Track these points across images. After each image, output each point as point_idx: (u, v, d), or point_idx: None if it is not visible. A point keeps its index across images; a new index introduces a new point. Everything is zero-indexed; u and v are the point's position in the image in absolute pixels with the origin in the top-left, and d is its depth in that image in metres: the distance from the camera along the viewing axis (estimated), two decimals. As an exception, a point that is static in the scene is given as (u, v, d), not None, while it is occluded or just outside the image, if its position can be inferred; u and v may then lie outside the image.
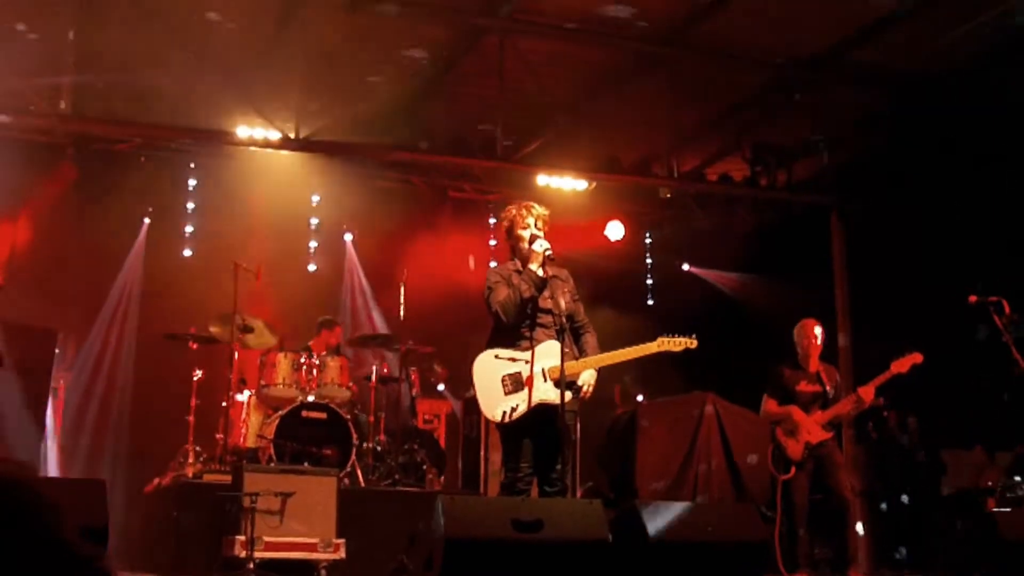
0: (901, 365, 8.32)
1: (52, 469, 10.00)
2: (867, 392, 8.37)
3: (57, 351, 10.38)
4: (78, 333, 10.75)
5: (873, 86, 11.14)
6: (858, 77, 10.91)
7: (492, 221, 13.62)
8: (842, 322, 12.32)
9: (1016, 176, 10.66)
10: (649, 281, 14.92)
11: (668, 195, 13.34)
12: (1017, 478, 11.93)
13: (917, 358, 8.32)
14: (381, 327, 13.06)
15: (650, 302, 14.76)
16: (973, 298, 7.58)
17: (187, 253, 12.44)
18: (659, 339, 6.68)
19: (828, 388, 8.62)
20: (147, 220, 12.25)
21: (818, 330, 8.77)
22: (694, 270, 14.72)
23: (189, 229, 12.47)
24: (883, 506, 12.17)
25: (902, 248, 11.78)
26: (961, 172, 11.21)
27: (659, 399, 12.51)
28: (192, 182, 12.47)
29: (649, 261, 14.95)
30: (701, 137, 12.38)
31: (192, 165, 12.38)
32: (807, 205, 13.05)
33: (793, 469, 8.45)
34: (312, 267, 13.14)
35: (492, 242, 12.88)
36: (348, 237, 13.58)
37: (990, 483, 11.81)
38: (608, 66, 10.85)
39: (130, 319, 11.07)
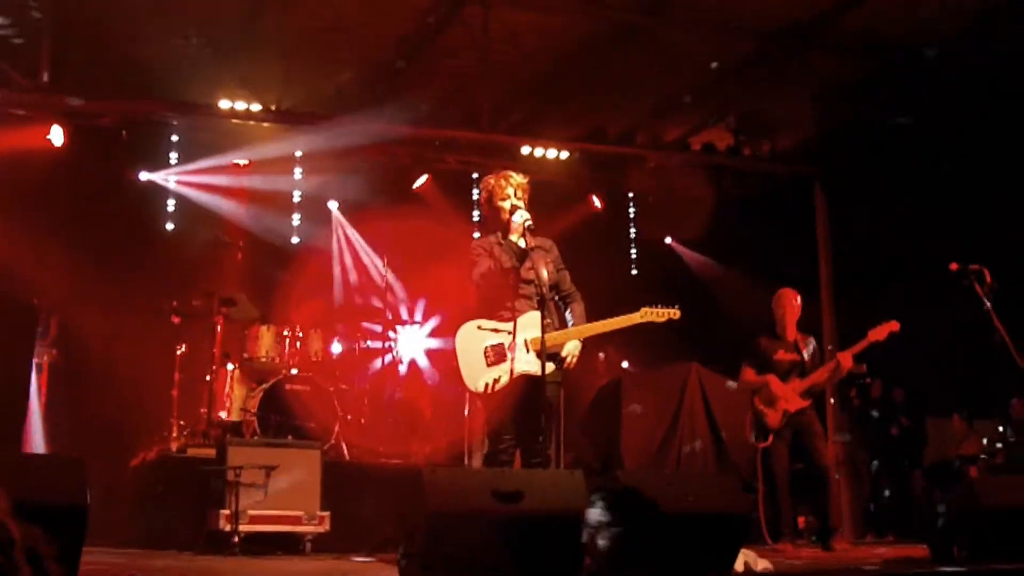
0: (878, 333, 8.41)
1: (36, 446, 9.97)
2: (845, 358, 8.47)
3: (40, 328, 10.39)
4: (62, 309, 10.69)
5: (857, 55, 11.09)
6: (842, 46, 10.85)
7: (476, 192, 13.55)
8: (825, 292, 12.34)
9: (1002, 145, 10.68)
10: (633, 252, 14.87)
11: (652, 165, 13.31)
12: (999, 445, 12.02)
13: (894, 326, 8.40)
14: (365, 298, 13.02)
15: (634, 271, 14.73)
16: (954, 266, 7.61)
17: (169, 227, 12.35)
18: (642, 310, 6.68)
19: (805, 357, 8.70)
20: (129, 194, 12.16)
21: (795, 299, 8.84)
22: (675, 246, 14.69)
23: (171, 202, 12.37)
24: (873, 467, 12.25)
25: (885, 217, 11.81)
26: (946, 140, 11.23)
27: (643, 369, 12.56)
28: (174, 156, 12.36)
29: (633, 232, 14.90)
30: (685, 107, 12.33)
31: (174, 138, 12.27)
32: (791, 175, 13.05)
33: (771, 437, 8.52)
34: (295, 239, 13.07)
35: (475, 215, 12.81)
36: (333, 205, 13.46)
37: (970, 451, 11.91)
38: (591, 36, 10.78)
39: (113, 294, 11.00)
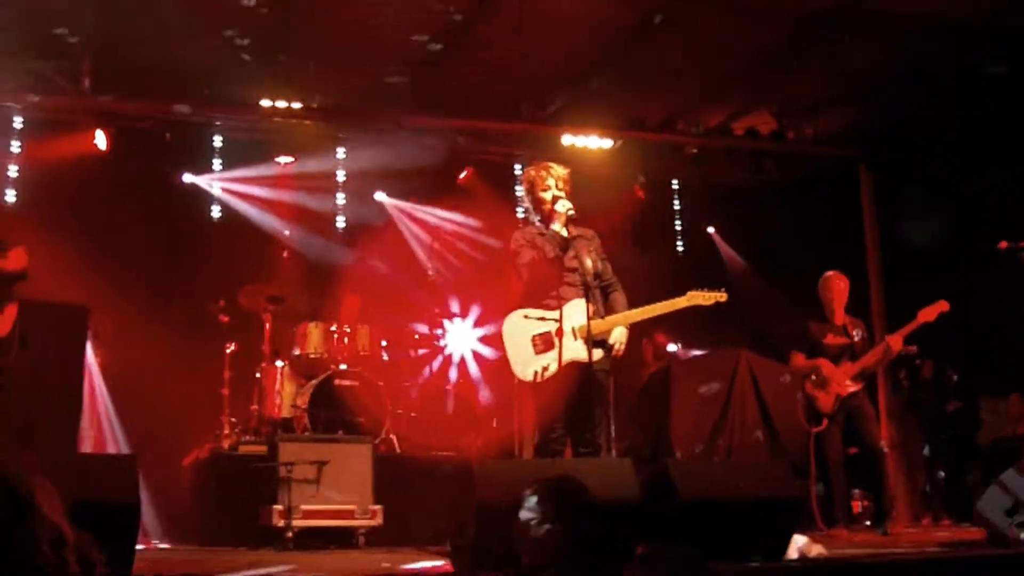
0: (928, 314, 8.33)
1: (89, 446, 10.08)
2: (895, 340, 8.41)
3: (91, 330, 10.49)
4: (113, 310, 10.80)
5: (897, 35, 10.94)
6: (881, 26, 10.71)
7: (518, 171, 13.43)
8: (873, 275, 12.24)
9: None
10: (679, 243, 14.78)
11: (695, 151, 13.24)
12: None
13: (944, 306, 8.32)
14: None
15: (679, 259, 14.65)
16: (1004, 244, 7.52)
17: (215, 225, 12.39)
18: (689, 293, 6.67)
19: (855, 340, 8.62)
20: (175, 195, 12.24)
21: (842, 283, 8.78)
22: (716, 237, 14.61)
23: (216, 205, 12.42)
24: (925, 452, 12.12)
25: (932, 197, 11.69)
26: (991, 121, 11.08)
27: (692, 356, 12.51)
28: (217, 162, 12.41)
29: (679, 224, 14.80)
30: (726, 92, 12.24)
31: (217, 141, 12.34)
32: (836, 158, 12.94)
33: (825, 421, 8.47)
34: (341, 223, 13.10)
35: (520, 211, 12.74)
36: (381, 196, 13.38)
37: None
38: (629, 23, 10.71)
39: (161, 294, 11.11)
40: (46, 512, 2.54)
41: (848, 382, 8.48)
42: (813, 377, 8.58)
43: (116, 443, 10.63)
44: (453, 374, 11.91)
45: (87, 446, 10.02)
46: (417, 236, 13.03)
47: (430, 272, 11.09)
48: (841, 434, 8.53)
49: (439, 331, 11.23)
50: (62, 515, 2.65)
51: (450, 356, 11.89)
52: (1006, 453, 11.48)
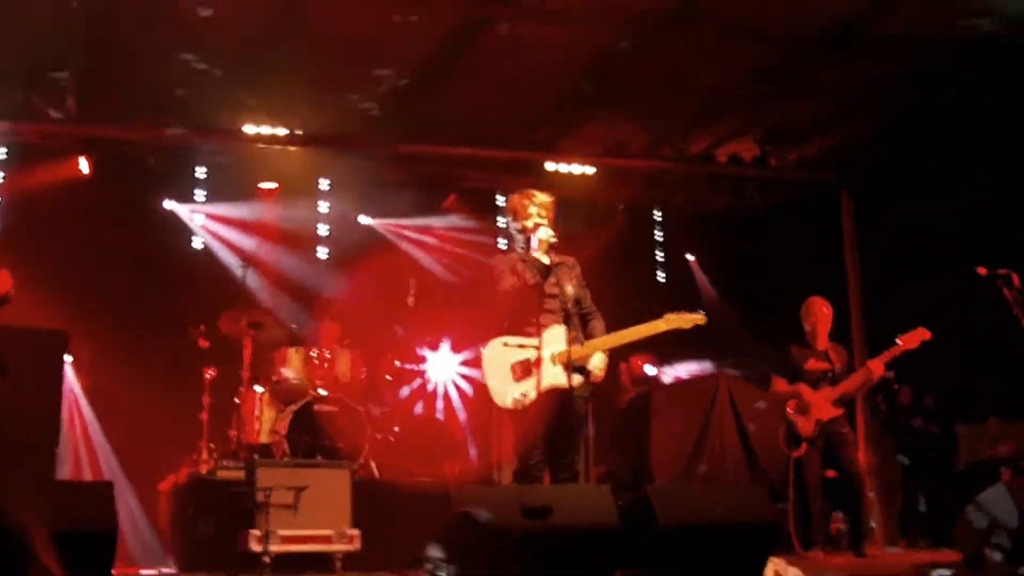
0: (909, 340, 8.37)
1: (67, 471, 10.03)
2: (876, 366, 8.44)
3: (70, 357, 10.46)
4: (92, 335, 10.78)
5: (886, 62, 10.98)
6: (870, 52, 10.75)
7: (500, 199, 13.46)
8: (854, 300, 12.29)
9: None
10: (660, 273, 14.80)
11: (678, 178, 13.29)
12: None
13: (924, 334, 8.36)
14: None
15: (659, 287, 14.68)
16: (983, 270, 7.56)
17: (196, 248, 12.38)
18: (666, 316, 6.66)
19: (837, 366, 8.67)
20: (156, 220, 12.24)
21: (825, 308, 8.82)
22: (695, 267, 14.65)
23: (197, 224, 12.41)
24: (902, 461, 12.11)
25: (913, 224, 11.74)
26: (974, 148, 11.14)
27: (672, 382, 12.53)
28: (200, 192, 12.42)
29: (660, 255, 14.84)
30: (710, 117, 12.27)
31: (200, 171, 12.35)
32: (818, 183, 13.00)
33: (804, 446, 8.50)
34: (323, 253, 13.10)
35: (502, 242, 12.77)
36: (365, 219, 13.41)
37: (1004, 453, 11.76)
38: (615, 49, 10.74)
39: (141, 319, 11.10)
40: (44, 562, 2.55)
41: (829, 407, 8.52)
42: (794, 402, 8.61)
43: (99, 468, 10.60)
44: (434, 401, 11.90)
45: (70, 471, 10.01)
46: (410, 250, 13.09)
47: (410, 301, 11.04)
48: (820, 459, 8.57)
49: (420, 358, 11.23)
50: (47, 547, 2.65)
51: (430, 383, 11.87)
52: (983, 477, 11.52)
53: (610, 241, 13.34)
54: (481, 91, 11.22)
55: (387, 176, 12.74)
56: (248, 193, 12.32)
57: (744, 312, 13.29)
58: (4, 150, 11.42)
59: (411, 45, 10.34)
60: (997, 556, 6.11)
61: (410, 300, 11.31)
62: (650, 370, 12.04)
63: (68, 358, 10.41)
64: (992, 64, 10.45)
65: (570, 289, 6.56)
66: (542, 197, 6.88)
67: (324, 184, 13.09)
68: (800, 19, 10.14)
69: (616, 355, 6.89)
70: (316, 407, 9.56)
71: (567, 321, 6.40)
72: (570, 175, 12.23)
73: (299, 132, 11.41)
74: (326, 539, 7.82)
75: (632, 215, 13.82)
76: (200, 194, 12.42)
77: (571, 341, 6.29)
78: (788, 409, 8.65)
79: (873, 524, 9.70)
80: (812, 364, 8.70)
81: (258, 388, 10.02)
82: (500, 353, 6.55)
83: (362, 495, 8.29)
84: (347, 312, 11.22)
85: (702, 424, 10.44)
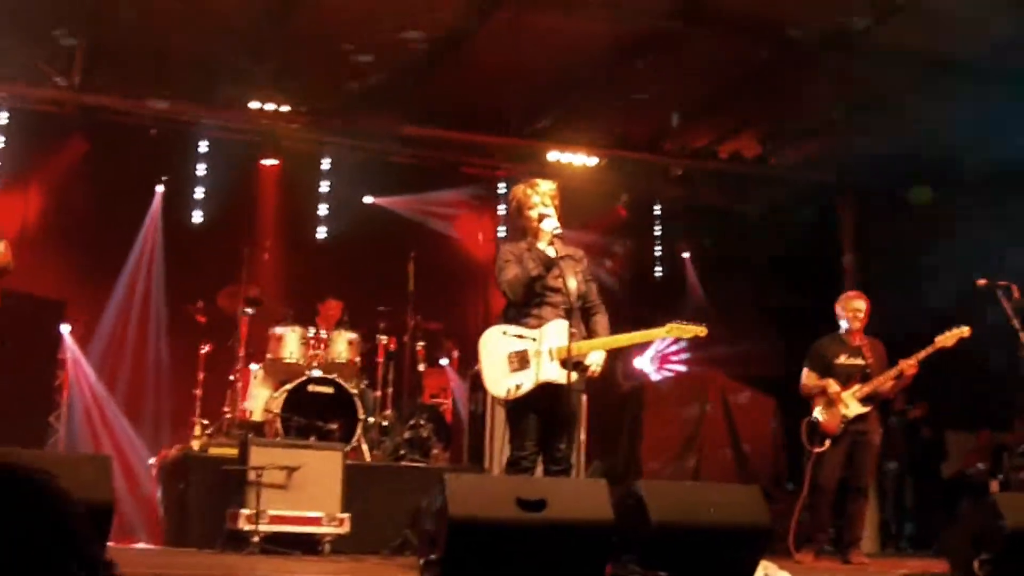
0: (947, 339, 8.19)
1: (61, 442, 10.04)
2: (909, 365, 8.25)
3: (69, 326, 10.46)
4: (92, 307, 10.77)
5: (886, 65, 11.00)
6: (869, 53, 10.76)
7: (502, 187, 13.44)
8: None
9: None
10: (657, 268, 14.80)
11: (679, 172, 13.30)
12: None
13: (965, 332, 8.19)
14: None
15: (657, 279, 14.69)
16: (982, 281, 7.56)
17: (196, 221, 12.36)
18: (669, 325, 6.65)
19: (870, 362, 8.50)
20: (159, 190, 12.20)
21: (861, 303, 8.66)
22: (688, 264, 14.65)
23: (199, 198, 12.39)
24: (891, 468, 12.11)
25: (912, 228, 11.75)
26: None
27: (666, 378, 12.56)
28: (203, 151, 12.38)
29: (658, 249, 14.83)
30: (713, 114, 12.28)
31: (202, 140, 12.31)
32: (818, 184, 13.01)
33: (828, 443, 8.34)
34: (322, 234, 13.11)
35: (501, 230, 12.73)
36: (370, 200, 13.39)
37: (994, 464, 11.78)
38: (619, 41, 10.73)
39: (139, 292, 11.09)
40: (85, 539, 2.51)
41: (856, 403, 8.38)
42: (820, 397, 8.48)
43: (84, 441, 10.60)
44: (425, 382, 11.86)
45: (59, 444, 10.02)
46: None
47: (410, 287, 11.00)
48: (841, 460, 8.39)
49: (417, 342, 11.20)
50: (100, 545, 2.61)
51: (425, 365, 11.83)
52: (971, 487, 11.56)
53: (612, 233, 13.35)
54: (484, 78, 11.20)
55: (389, 159, 12.73)
56: (249, 169, 12.26)
57: (740, 311, 13.28)
58: (6, 115, 11.36)
59: (416, 30, 10.32)
60: (984, 567, 6.11)
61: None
62: (640, 364, 12.09)
63: (65, 327, 10.45)
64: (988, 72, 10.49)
65: (574, 283, 6.52)
66: (545, 185, 6.80)
67: (326, 163, 13.03)
68: (800, 20, 10.16)
69: (612, 351, 6.87)
70: (310, 387, 9.53)
71: (569, 315, 6.38)
72: (571, 165, 12.24)
73: (303, 109, 11.40)
74: (316, 521, 7.80)
75: (633, 209, 13.80)
76: (201, 168, 12.37)
77: (572, 336, 6.27)
78: (814, 404, 8.50)
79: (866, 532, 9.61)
80: (843, 359, 8.51)
81: (253, 366, 10.02)
82: (498, 342, 6.53)
83: (353, 477, 8.27)
84: (345, 292, 11.20)
85: (695, 422, 10.47)
